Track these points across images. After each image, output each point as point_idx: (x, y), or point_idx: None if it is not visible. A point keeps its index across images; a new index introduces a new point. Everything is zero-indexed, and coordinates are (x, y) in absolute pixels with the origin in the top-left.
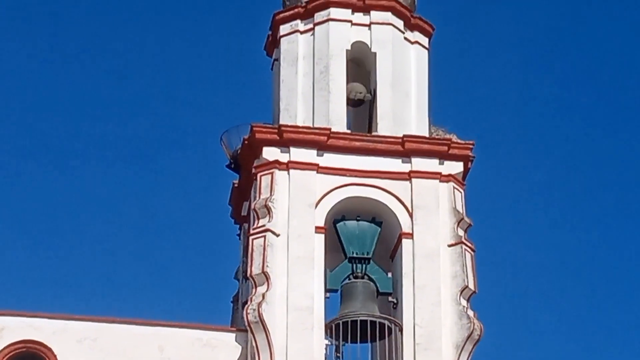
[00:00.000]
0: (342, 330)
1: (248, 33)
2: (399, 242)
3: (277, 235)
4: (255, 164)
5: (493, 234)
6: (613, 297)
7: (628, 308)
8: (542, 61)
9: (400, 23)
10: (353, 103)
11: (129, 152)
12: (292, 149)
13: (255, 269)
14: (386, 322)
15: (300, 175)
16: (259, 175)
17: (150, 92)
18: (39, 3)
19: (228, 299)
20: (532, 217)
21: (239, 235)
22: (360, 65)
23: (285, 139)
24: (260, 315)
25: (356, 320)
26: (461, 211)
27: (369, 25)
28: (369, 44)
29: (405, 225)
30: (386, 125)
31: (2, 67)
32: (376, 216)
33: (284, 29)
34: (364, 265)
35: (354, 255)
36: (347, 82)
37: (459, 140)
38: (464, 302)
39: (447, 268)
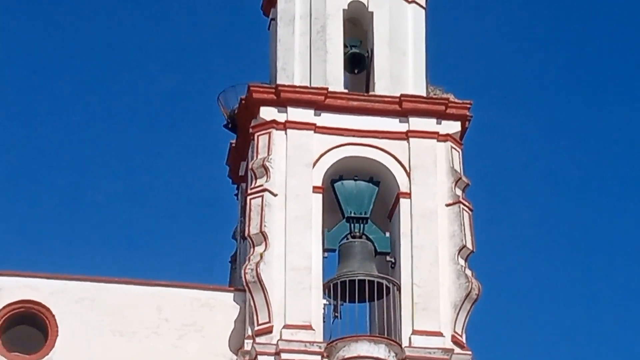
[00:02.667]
0: (340, 290)
1: None
2: (397, 201)
3: (275, 195)
4: (252, 124)
5: (491, 193)
6: (611, 254)
7: (628, 267)
8: (541, 20)
9: None
10: (351, 59)
11: (126, 112)
12: (289, 109)
13: (253, 229)
14: (384, 282)
15: (297, 135)
16: (256, 135)
17: (147, 52)
18: None
19: (226, 259)
20: (529, 176)
21: (236, 195)
22: (357, 24)
23: (283, 98)
24: (258, 275)
25: (354, 280)
26: (459, 171)
27: None
28: (365, 3)
29: (403, 184)
30: (383, 85)
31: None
32: (374, 176)
33: None
34: (361, 225)
35: (352, 215)
36: (344, 42)
37: (456, 100)
38: (461, 262)
39: (445, 227)
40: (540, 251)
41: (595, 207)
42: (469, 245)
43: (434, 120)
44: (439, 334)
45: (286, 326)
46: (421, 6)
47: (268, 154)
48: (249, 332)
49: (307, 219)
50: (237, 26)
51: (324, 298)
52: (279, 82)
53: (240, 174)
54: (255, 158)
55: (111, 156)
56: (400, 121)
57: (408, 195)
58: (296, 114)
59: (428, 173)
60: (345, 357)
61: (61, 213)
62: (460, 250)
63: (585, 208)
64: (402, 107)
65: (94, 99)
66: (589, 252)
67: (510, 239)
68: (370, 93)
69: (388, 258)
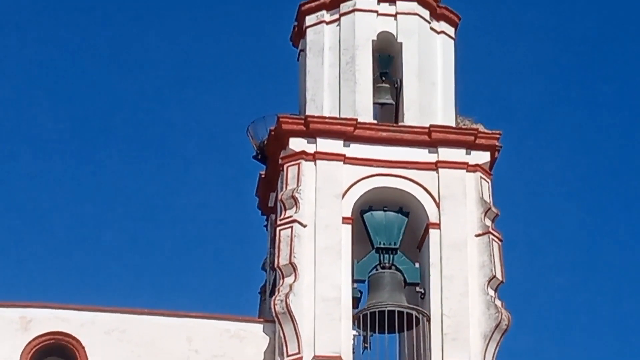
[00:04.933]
0: (369, 321)
1: (274, 24)
2: (426, 232)
3: (304, 226)
4: (281, 155)
5: (520, 224)
6: None
7: None
8: (569, 51)
9: (426, 13)
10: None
11: (156, 143)
12: (318, 140)
13: (282, 260)
14: (414, 313)
15: (327, 165)
16: (285, 166)
17: (176, 83)
18: None
19: (255, 290)
20: (559, 206)
21: (266, 226)
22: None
23: (312, 129)
24: (287, 306)
25: (384, 311)
26: (488, 201)
27: (394, 15)
28: (395, 34)
29: (433, 215)
30: (413, 116)
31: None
32: (403, 206)
33: (309, 19)
34: (391, 256)
35: (381, 245)
36: (373, 73)
37: (485, 130)
38: (491, 292)
39: (475, 258)
40: (571, 282)
41: (629, 237)
42: (499, 275)
43: (463, 151)
44: None
45: (316, 357)
46: (450, 37)
47: (297, 185)
48: None
49: (336, 250)
50: (266, 57)
51: (353, 329)
52: (308, 113)
53: (269, 205)
54: (284, 189)
55: (141, 187)
56: (429, 152)
57: (437, 225)
58: (325, 144)
59: (457, 203)
60: None
61: (91, 245)
62: (489, 281)
63: (619, 239)
64: (431, 138)
65: (123, 130)
66: (622, 283)
67: (540, 270)
68: (400, 124)
69: (417, 289)
